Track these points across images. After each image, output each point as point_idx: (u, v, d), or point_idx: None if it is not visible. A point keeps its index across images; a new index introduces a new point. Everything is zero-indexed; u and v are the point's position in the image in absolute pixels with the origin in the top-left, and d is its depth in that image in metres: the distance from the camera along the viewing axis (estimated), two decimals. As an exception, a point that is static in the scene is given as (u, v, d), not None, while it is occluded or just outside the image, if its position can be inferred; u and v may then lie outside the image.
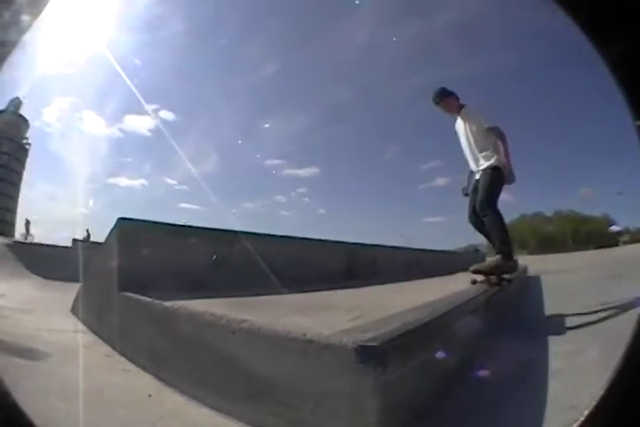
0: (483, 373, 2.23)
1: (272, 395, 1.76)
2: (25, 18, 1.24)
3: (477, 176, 4.47)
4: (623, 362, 0.94)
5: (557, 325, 3.38)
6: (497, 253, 4.20)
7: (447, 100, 4.62)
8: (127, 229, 3.42)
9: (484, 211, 4.19)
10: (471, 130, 4.49)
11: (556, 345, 2.76)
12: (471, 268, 4.25)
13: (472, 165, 4.56)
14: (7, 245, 10.82)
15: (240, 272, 3.68)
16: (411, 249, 9.97)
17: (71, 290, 5.26)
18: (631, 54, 0.96)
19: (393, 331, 1.73)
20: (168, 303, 2.53)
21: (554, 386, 2.01)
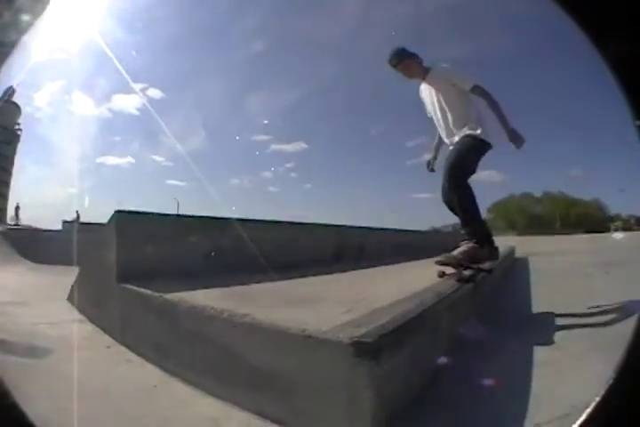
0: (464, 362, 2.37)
1: (273, 385, 1.91)
2: (25, 18, 1.26)
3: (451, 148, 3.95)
4: (623, 362, 0.97)
5: (543, 319, 3.44)
6: (468, 239, 3.69)
7: (407, 61, 3.97)
8: (124, 221, 3.49)
9: (451, 183, 3.67)
10: (444, 96, 3.88)
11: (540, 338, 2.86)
12: (436, 259, 3.65)
13: (447, 140, 4.00)
14: (0, 233, 10.90)
15: (233, 259, 3.78)
16: (400, 231, 10.09)
17: (64, 273, 5.34)
18: (631, 54, 0.98)
19: (384, 326, 1.87)
20: (168, 296, 2.65)
21: (538, 380, 2.15)
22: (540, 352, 2.56)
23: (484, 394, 2.03)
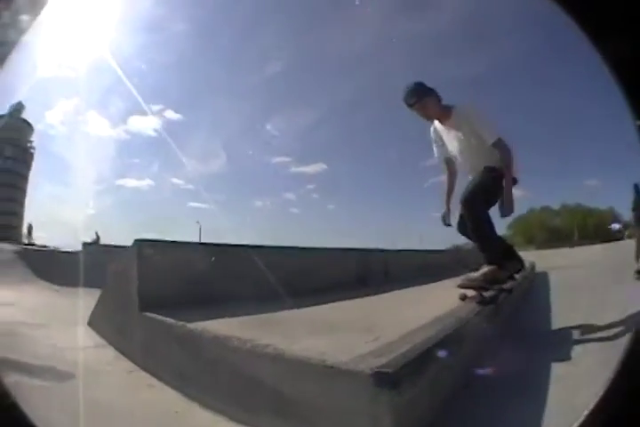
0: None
1: (295, 413, 1.98)
2: (24, 18, 1.30)
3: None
4: (623, 362, 1.00)
5: (562, 335, 3.48)
6: (487, 264, 3.68)
7: (426, 100, 3.72)
8: (144, 250, 3.59)
9: (469, 206, 3.60)
10: (466, 136, 3.73)
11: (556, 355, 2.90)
12: (458, 283, 3.71)
13: (470, 175, 3.89)
14: (16, 252, 11.01)
15: (256, 286, 3.85)
16: (421, 251, 10.14)
17: (84, 296, 5.29)
18: (631, 54, 0.99)
19: (404, 355, 1.95)
20: (191, 325, 2.75)
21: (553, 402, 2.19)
22: (557, 368, 2.62)
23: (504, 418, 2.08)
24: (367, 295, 4.90)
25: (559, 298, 5.44)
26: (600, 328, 3.29)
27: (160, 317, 3.02)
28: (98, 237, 15.14)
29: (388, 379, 1.70)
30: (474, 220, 3.61)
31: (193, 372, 2.65)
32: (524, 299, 5.83)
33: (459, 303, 3.59)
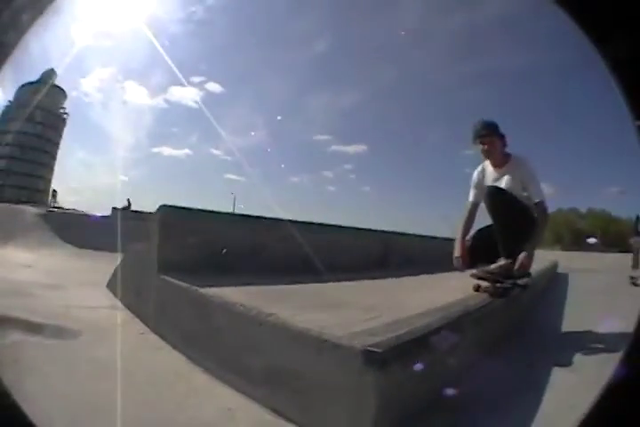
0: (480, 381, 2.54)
1: (288, 383, 2.18)
2: None
3: None
4: (623, 362, 1.04)
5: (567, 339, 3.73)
6: (505, 257, 3.75)
7: (498, 139, 3.87)
8: (168, 215, 3.86)
9: (502, 193, 3.75)
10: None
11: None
12: (472, 272, 3.83)
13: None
14: (39, 215, 11.27)
15: (274, 259, 4.06)
16: (449, 239, 10.05)
17: (107, 260, 5.67)
18: (631, 54, 1.02)
19: (399, 337, 2.13)
20: (204, 290, 2.98)
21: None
22: (557, 373, 2.76)
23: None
24: (383, 277, 5.14)
25: (574, 300, 5.71)
26: (606, 335, 3.39)
27: (175, 280, 3.27)
28: (129, 204, 15.47)
29: (376, 358, 1.86)
30: (506, 208, 3.72)
31: (199, 337, 2.88)
32: (539, 297, 6.05)
33: (471, 293, 3.79)
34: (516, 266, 3.63)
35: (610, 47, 1.06)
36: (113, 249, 5.38)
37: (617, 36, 1.05)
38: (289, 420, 2.09)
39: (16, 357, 2.58)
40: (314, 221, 5.89)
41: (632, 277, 6.95)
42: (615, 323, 3.30)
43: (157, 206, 3.91)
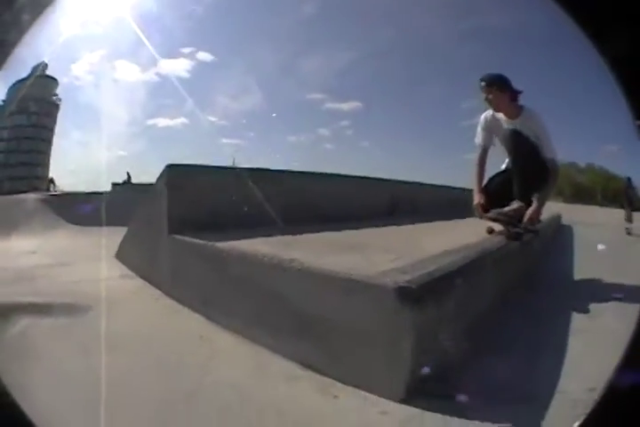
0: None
1: (317, 332, 2.16)
2: None
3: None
4: (623, 362, 1.06)
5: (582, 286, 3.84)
6: (519, 200, 3.85)
7: (508, 91, 3.93)
8: (176, 174, 3.81)
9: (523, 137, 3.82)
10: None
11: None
12: (487, 214, 3.88)
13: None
14: (40, 200, 11.27)
15: (285, 210, 3.99)
16: (453, 188, 10.02)
17: (112, 235, 5.46)
18: (631, 54, 1.04)
19: (430, 273, 2.12)
20: (219, 244, 2.94)
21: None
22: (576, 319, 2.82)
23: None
24: (395, 224, 5.16)
25: (582, 249, 5.94)
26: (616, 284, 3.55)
27: (188, 238, 3.24)
28: (129, 177, 15.44)
29: (411, 294, 1.84)
30: (526, 151, 3.81)
31: (218, 295, 2.86)
32: (549, 245, 6.36)
33: (485, 236, 3.84)
34: (527, 216, 3.77)
35: (610, 47, 1.08)
36: (117, 224, 5.40)
37: (617, 35, 1.06)
38: (321, 372, 2.09)
39: (26, 344, 2.56)
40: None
41: (627, 229, 8.50)
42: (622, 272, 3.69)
43: (163, 167, 3.87)
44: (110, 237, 5.38)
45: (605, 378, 1.08)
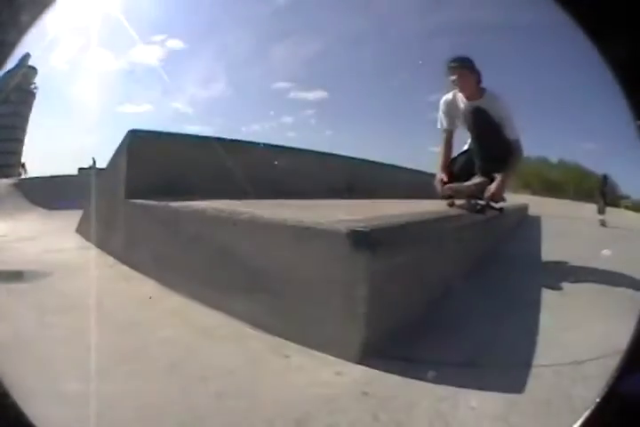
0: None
1: (268, 287, 2.05)
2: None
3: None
4: (624, 362, 1.01)
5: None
6: (480, 175, 3.88)
7: (473, 72, 3.93)
8: (136, 138, 3.70)
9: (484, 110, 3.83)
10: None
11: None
12: (448, 185, 3.89)
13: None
14: (11, 185, 11.17)
15: (243, 181, 3.90)
16: (413, 170, 9.88)
17: (76, 217, 5.60)
18: (631, 54, 1.01)
19: (382, 224, 2.02)
20: (173, 204, 2.84)
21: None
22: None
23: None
24: (355, 199, 5.08)
25: (552, 236, 5.91)
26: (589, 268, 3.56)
27: (143, 201, 3.14)
28: (94, 162, 15.33)
29: (365, 238, 1.74)
30: (487, 127, 3.79)
31: (169, 256, 2.77)
32: (514, 229, 6.44)
33: (445, 209, 3.85)
34: (489, 191, 3.75)
35: (610, 47, 1.06)
36: (82, 207, 5.23)
37: (617, 35, 1.05)
38: (272, 332, 2.01)
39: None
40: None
41: (600, 220, 8.88)
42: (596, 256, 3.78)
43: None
44: (73, 220, 5.32)
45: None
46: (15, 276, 3.15)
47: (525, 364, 1.79)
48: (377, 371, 1.69)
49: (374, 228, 1.82)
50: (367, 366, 1.72)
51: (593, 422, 0.96)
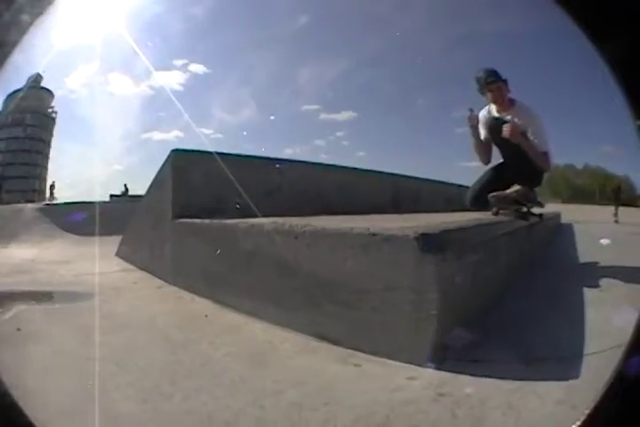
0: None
1: (333, 298, 2.06)
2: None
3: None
4: (624, 362, 1.01)
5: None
6: (519, 183, 3.92)
7: (503, 84, 3.97)
8: (180, 159, 3.75)
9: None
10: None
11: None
12: (490, 195, 3.91)
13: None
14: (38, 209, 11.21)
15: (291, 200, 3.93)
16: (453, 184, 9.87)
17: (110, 243, 5.48)
18: (631, 54, 1.02)
19: (447, 227, 2.06)
20: (227, 221, 2.86)
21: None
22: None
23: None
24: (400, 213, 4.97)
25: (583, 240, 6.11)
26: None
27: (193, 220, 3.18)
28: (127, 190, 15.55)
29: (434, 241, 1.76)
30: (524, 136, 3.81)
31: (225, 274, 2.78)
32: (552, 236, 6.73)
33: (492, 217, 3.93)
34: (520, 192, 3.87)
35: (610, 47, 1.07)
36: (116, 233, 5.38)
37: (617, 35, 1.06)
38: (336, 342, 2.02)
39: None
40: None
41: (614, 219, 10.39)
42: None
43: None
44: (110, 246, 5.35)
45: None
46: (54, 297, 3.19)
47: (578, 353, 1.86)
48: (447, 373, 1.71)
49: (442, 231, 1.83)
50: (438, 369, 1.73)
51: (593, 422, 0.98)
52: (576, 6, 1.13)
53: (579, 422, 0.98)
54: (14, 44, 1.32)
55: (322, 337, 2.07)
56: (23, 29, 1.32)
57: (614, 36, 1.04)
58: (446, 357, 1.79)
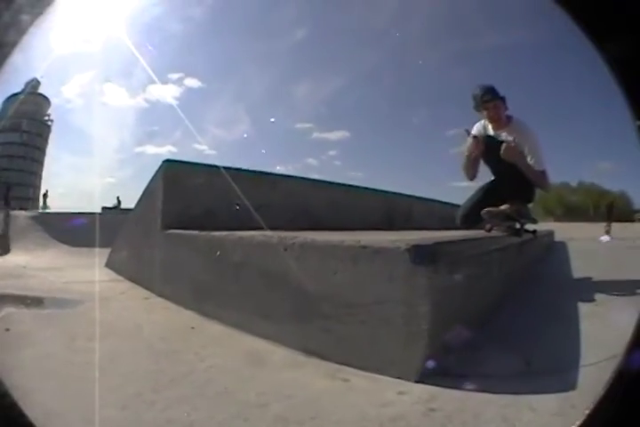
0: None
1: (322, 311, 2.01)
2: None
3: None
4: (624, 362, 1.00)
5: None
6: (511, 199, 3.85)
7: (501, 102, 3.91)
8: (172, 169, 3.70)
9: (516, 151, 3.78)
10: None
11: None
12: (484, 211, 3.79)
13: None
14: (32, 218, 11.20)
15: (281, 215, 3.89)
16: (447, 203, 9.80)
17: (103, 254, 5.56)
18: (631, 54, 1.01)
19: (440, 240, 2.00)
20: (215, 233, 2.81)
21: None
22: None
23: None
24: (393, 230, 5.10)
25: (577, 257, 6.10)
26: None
27: (182, 231, 3.13)
28: (119, 202, 15.59)
29: (425, 253, 1.72)
30: (516, 157, 3.74)
31: (213, 286, 2.73)
32: (545, 252, 6.83)
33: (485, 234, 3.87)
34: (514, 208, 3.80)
35: (610, 47, 1.05)
36: (107, 245, 5.29)
37: (617, 35, 1.04)
38: (324, 357, 1.97)
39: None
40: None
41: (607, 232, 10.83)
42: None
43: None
44: (100, 256, 5.32)
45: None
46: (43, 302, 3.22)
47: (573, 365, 1.84)
48: (438, 388, 1.67)
49: (434, 243, 1.80)
50: (428, 383, 1.69)
51: (593, 422, 0.97)
52: (576, 7, 1.11)
53: (579, 422, 0.97)
54: (14, 44, 1.30)
55: (310, 351, 2.01)
56: (22, 30, 1.30)
57: (614, 36, 1.03)
58: (437, 371, 1.74)
